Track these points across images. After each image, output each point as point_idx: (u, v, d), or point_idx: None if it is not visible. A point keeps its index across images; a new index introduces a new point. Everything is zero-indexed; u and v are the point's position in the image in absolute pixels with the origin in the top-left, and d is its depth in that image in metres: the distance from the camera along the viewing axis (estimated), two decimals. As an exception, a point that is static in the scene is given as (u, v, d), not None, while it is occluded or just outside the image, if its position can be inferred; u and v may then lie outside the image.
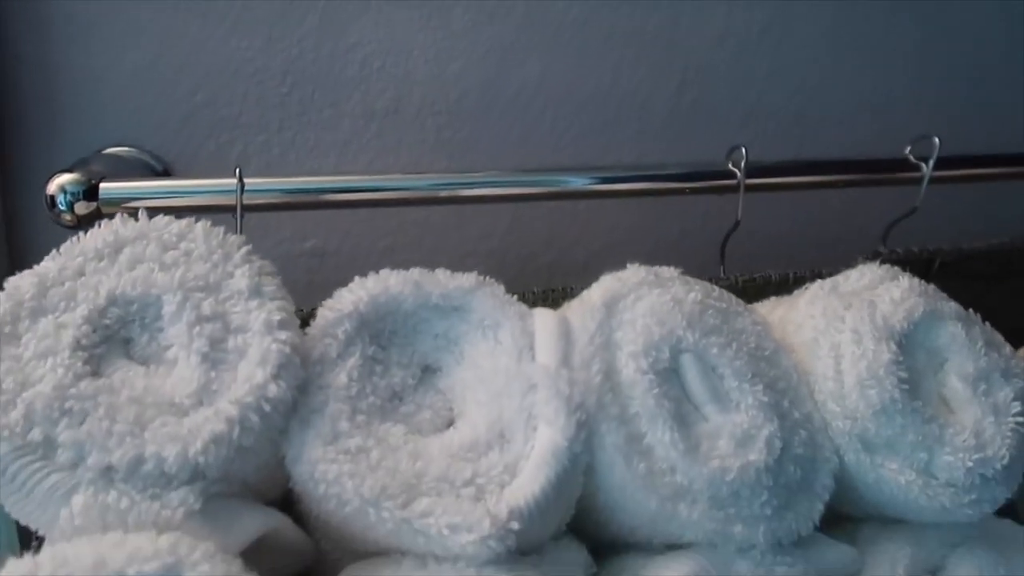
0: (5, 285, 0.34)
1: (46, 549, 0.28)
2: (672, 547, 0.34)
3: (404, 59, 0.61)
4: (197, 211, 0.42)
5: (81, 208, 0.48)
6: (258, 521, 0.32)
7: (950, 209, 0.62)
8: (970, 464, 0.34)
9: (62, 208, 0.47)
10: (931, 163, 0.56)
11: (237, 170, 0.46)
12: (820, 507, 0.35)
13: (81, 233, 0.36)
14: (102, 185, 0.47)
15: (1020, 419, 0.36)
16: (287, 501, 0.35)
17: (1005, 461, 0.35)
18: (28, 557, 0.28)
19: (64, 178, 0.48)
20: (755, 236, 0.58)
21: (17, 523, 0.31)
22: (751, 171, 0.53)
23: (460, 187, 0.51)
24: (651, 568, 0.34)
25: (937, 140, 0.56)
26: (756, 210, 0.54)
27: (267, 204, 0.48)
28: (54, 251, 0.35)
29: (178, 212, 0.38)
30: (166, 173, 0.59)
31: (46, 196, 0.48)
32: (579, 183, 0.53)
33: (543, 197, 0.54)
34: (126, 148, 0.57)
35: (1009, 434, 0.35)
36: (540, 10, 0.61)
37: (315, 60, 0.60)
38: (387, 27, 0.59)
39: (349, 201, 0.50)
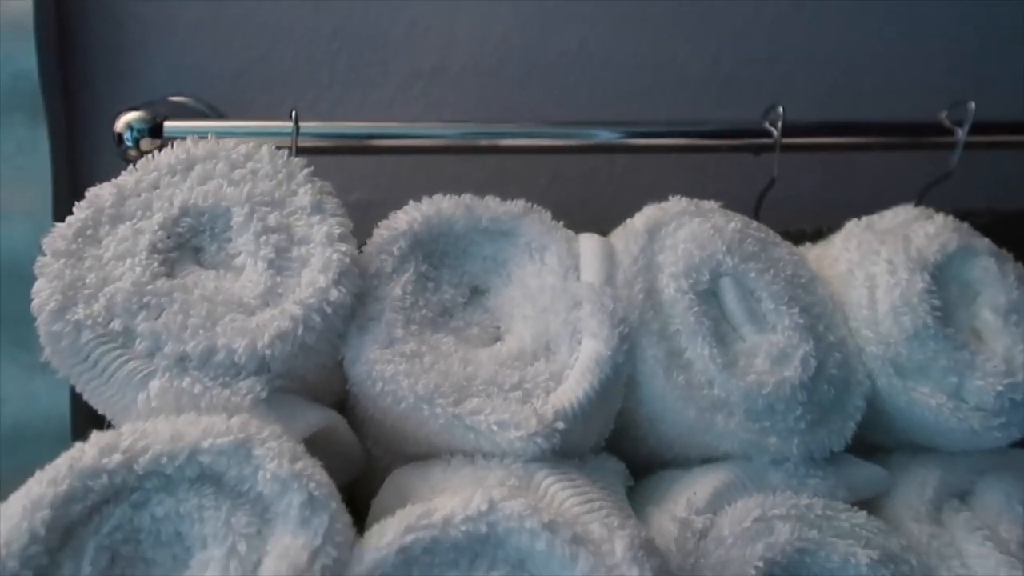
0: (87, 194, 0.36)
1: (126, 425, 0.30)
2: (708, 461, 0.36)
3: (450, 21, 0.63)
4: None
5: (146, 145, 0.50)
6: (318, 415, 0.34)
7: (985, 176, 0.63)
8: (1000, 388, 0.36)
9: (128, 144, 0.50)
10: (966, 128, 0.57)
11: (293, 112, 0.48)
12: (852, 426, 0.36)
13: (156, 151, 0.38)
14: (166, 124, 0.49)
15: (1050, 348, 0.37)
16: (341, 411, 0.37)
17: (1034, 386, 0.36)
18: (111, 431, 0.30)
19: (131, 116, 0.50)
20: (789, 200, 0.59)
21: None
22: (787, 130, 0.55)
23: (500, 137, 0.53)
24: (688, 478, 0.35)
25: (973, 105, 0.57)
26: (791, 173, 0.55)
27: (319, 147, 0.50)
28: (131, 167, 0.38)
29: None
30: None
31: (114, 133, 0.51)
32: (613, 136, 0.54)
33: (579, 150, 0.56)
34: (185, 97, 0.60)
35: (1040, 361, 0.36)
36: (582, -24, 0.63)
37: (364, 21, 0.62)
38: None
39: (396, 147, 0.52)
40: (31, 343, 0.60)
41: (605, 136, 0.55)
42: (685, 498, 0.34)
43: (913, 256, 0.37)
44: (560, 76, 0.66)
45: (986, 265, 0.38)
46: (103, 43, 0.58)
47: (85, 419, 0.35)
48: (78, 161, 0.59)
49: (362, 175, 0.63)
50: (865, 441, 0.39)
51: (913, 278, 0.37)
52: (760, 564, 0.32)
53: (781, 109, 0.54)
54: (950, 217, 0.40)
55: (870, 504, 0.36)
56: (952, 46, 0.70)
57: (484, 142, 0.53)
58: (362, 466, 0.38)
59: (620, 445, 0.38)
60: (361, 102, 0.64)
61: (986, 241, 0.40)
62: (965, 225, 0.40)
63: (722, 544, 0.32)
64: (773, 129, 0.54)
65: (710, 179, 0.68)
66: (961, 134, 0.57)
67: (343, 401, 0.38)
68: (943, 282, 0.38)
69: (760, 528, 0.33)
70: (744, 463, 0.35)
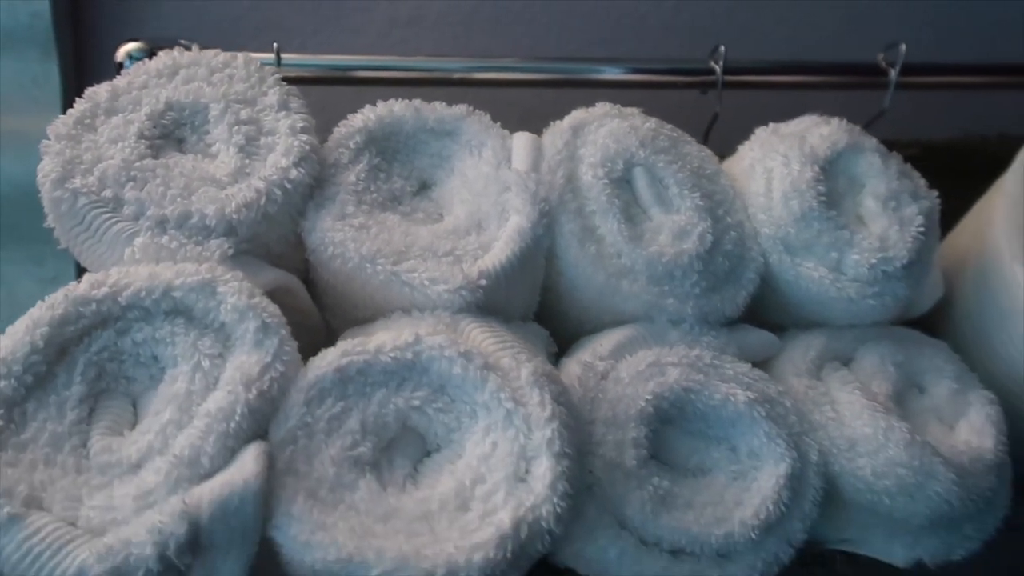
0: (86, 92, 0.42)
1: (112, 269, 0.36)
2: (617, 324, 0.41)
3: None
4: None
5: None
6: (277, 273, 0.40)
7: (922, 116, 0.68)
8: (873, 261, 0.41)
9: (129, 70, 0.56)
10: (897, 68, 0.61)
11: (275, 45, 0.54)
12: (745, 295, 0.41)
13: (145, 59, 0.44)
14: (162, 52, 0.55)
15: (922, 229, 0.42)
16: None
17: (905, 261, 0.41)
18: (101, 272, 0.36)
19: (130, 45, 0.56)
20: (734, 135, 0.64)
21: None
22: (729, 69, 0.60)
23: (473, 71, 0.58)
24: (599, 336, 0.41)
25: (903, 47, 0.61)
26: (738, 112, 0.60)
27: (301, 77, 0.56)
28: (124, 70, 0.44)
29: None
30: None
31: (115, 62, 0.57)
32: (572, 71, 0.60)
33: (541, 84, 0.61)
34: (182, 41, 0.66)
35: (911, 240, 0.41)
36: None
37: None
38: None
39: (374, 79, 0.58)
40: (46, 260, 0.66)
41: (565, 69, 0.60)
42: (592, 348, 0.39)
43: (806, 152, 0.43)
44: (527, 25, 0.71)
45: (871, 160, 0.43)
46: None
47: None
48: (85, 92, 0.65)
49: (342, 113, 0.69)
50: (765, 320, 0.44)
51: (804, 169, 0.42)
52: (649, 397, 0.37)
53: (723, 48, 0.60)
54: (844, 121, 0.45)
55: (760, 365, 0.41)
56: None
57: (458, 75, 0.59)
58: (321, 335, 0.44)
59: (548, 322, 0.43)
60: (344, 49, 0.69)
61: (873, 140, 0.45)
62: (856, 127, 0.45)
63: (619, 383, 0.38)
64: (716, 67, 0.60)
65: (666, 117, 0.73)
66: (894, 74, 0.62)
67: (305, 276, 0.43)
68: (832, 174, 0.43)
69: (653, 371, 0.38)
70: (646, 323, 0.40)
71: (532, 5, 0.71)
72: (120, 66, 0.56)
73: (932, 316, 0.47)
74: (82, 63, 0.64)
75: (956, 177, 0.57)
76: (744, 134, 0.51)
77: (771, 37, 0.74)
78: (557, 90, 0.64)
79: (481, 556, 0.31)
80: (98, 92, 0.42)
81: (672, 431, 0.38)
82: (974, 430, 0.40)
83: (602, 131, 0.43)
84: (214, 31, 0.66)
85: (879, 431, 0.38)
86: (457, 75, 0.59)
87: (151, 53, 0.56)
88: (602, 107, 0.45)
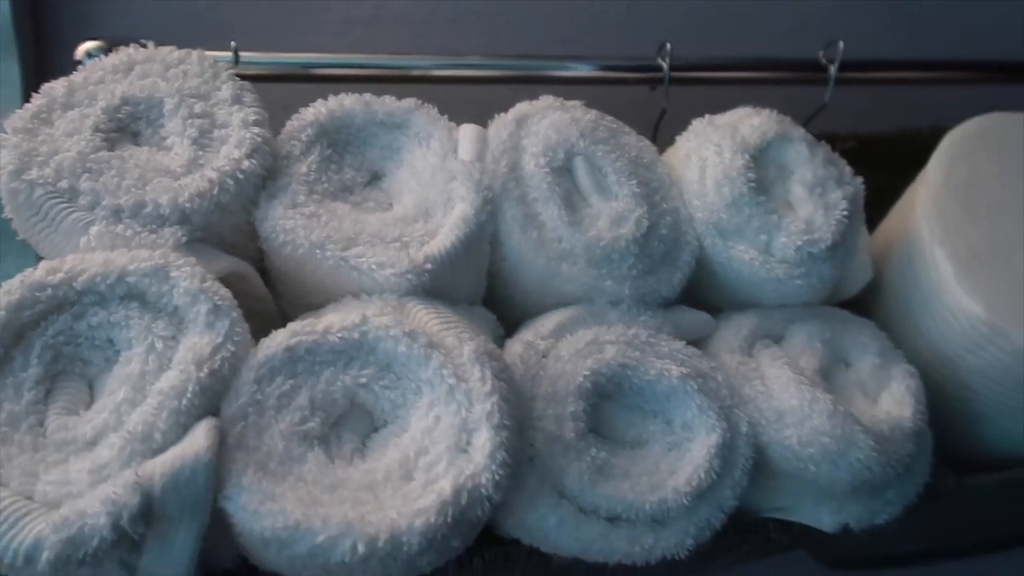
0: (42, 88, 0.43)
1: (67, 256, 0.37)
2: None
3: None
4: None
5: (90, 69, 0.57)
6: (230, 260, 0.41)
7: (863, 110, 0.70)
8: (799, 243, 0.43)
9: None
10: (836, 64, 0.64)
11: (232, 43, 0.55)
12: (680, 277, 0.44)
13: (102, 55, 0.46)
14: (120, 49, 0.57)
15: (846, 213, 0.44)
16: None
17: (829, 243, 0.43)
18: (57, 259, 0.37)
19: (89, 44, 0.57)
20: (683, 129, 0.66)
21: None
22: (676, 65, 0.62)
23: (429, 68, 0.60)
24: (541, 317, 0.42)
25: (841, 44, 0.64)
26: (684, 106, 0.63)
27: (259, 75, 0.57)
28: (81, 66, 0.45)
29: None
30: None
31: (74, 61, 0.58)
32: (528, 68, 0.62)
33: (495, 80, 0.63)
34: (141, 40, 0.67)
35: (835, 224, 0.44)
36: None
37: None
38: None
39: (333, 76, 0.59)
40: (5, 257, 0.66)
41: (520, 67, 0.62)
42: (533, 328, 0.41)
43: (738, 141, 0.45)
44: (485, 25, 0.73)
45: (799, 149, 0.46)
46: None
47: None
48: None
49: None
50: (701, 301, 0.46)
51: (735, 157, 0.44)
52: (587, 373, 0.39)
53: (669, 46, 0.62)
54: (774, 112, 0.47)
55: (696, 343, 0.44)
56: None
57: (416, 72, 0.61)
58: (276, 321, 0.45)
59: (495, 306, 0.45)
60: (303, 46, 0.71)
61: (801, 130, 0.47)
62: (786, 118, 0.47)
63: (559, 360, 0.40)
64: (663, 63, 0.62)
65: (618, 112, 0.75)
66: (833, 70, 0.64)
67: (260, 264, 0.45)
68: (762, 162, 0.45)
69: (592, 349, 0.40)
70: (586, 304, 0.42)
71: (489, 5, 0.73)
72: (78, 64, 0.58)
73: (863, 297, 0.49)
74: (42, 62, 0.65)
75: (891, 168, 0.60)
76: (685, 125, 0.53)
77: (718, 35, 0.77)
78: (513, 87, 0.66)
79: (422, 521, 0.32)
80: (54, 87, 0.43)
81: (610, 405, 0.40)
82: (895, 401, 0.43)
83: (544, 122, 0.45)
84: (173, 31, 0.67)
85: (804, 403, 0.40)
86: (416, 72, 0.60)
87: (109, 51, 0.58)
88: (545, 100, 0.47)
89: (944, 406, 0.45)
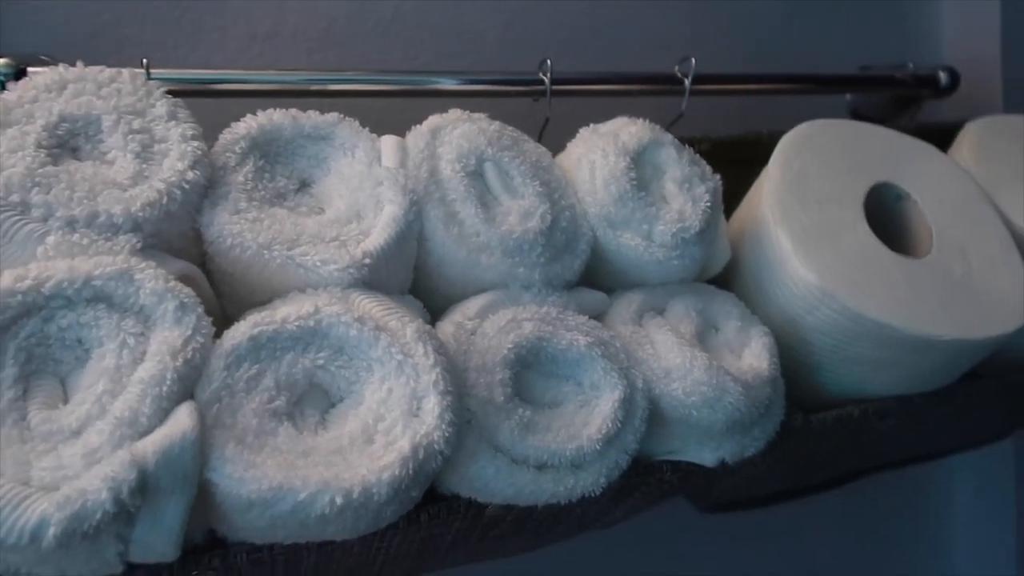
0: (-23, 105, 0.45)
1: (31, 264, 0.40)
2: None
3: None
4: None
5: (12, 87, 0.58)
6: (182, 264, 0.45)
7: (713, 117, 0.82)
8: (674, 230, 0.52)
9: (-5, 85, 0.58)
10: (690, 78, 0.74)
11: (144, 60, 0.58)
12: (579, 263, 0.51)
13: (18, 75, 0.48)
14: (29, 69, 0.58)
15: (709, 204, 0.54)
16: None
17: (697, 229, 0.52)
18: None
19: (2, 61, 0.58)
20: (562, 135, 0.74)
21: None
22: (556, 79, 0.70)
23: (326, 82, 0.65)
24: (466, 302, 0.49)
25: (693, 60, 0.74)
26: (565, 117, 0.71)
27: (171, 91, 0.60)
28: (10, 86, 0.47)
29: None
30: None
31: (-20, 77, 0.58)
32: (419, 82, 0.68)
33: (390, 94, 0.68)
34: (41, 56, 0.67)
35: (701, 213, 0.53)
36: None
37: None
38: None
39: (237, 91, 0.63)
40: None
41: (412, 81, 0.68)
42: (460, 311, 0.48)
43: (619, 146, 0.53)
44: (378, 40, 0.78)
45: (669, 152, 0.55)
46: None
47: None
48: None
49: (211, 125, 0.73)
50: (596, 283, 0.54)
51: (618, 160, 0.52)
52: (511, 346, 0.46)
53: (549, 62, 0.70)
54: (647, 120, 0.56)
55: (595, 318, 0.51)
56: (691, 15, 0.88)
57: (315, 87, 0.65)
58: (219, 322, 0.49)
59: (420, 296, 0.51)
60: (205, 62, 0.73)
61: (670, 136, 0.56)
62: (657, 126, 0.56)
63: (485, 337, 0.46)
64: (545, 78, 0.70)
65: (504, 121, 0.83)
66: (687, 83, 0.75)
67: (202, 268, 0.48)
68: (640, 164, 0.54)
69: (512, 326, 0.47)
70: (503, 289, 0.49)
71: (380, 22, 0.78)
72: (-14, 81, 0.58)
73: (723, 274, 0.59)
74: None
75: (740, 165, 0.71)
76: (570, 134, 0.61)
77: (587, 52, 0.86)
78: (405, 99, 0.72)
79: (389, 475, 0.38)
80: (-9, 104, 0.45)
81: (530, 373, 0.47)
82: (754, 356, 0.52)
83: (456, 132, 0.51)
84: (73, 48, 0.68)
85: (686, 361, 0.49)
86: (314, 87, 0.65)
87: (18, 69, 0.59)
88: (454, 113, 0.53)
89: (790, 358, 0.55)
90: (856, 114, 0.96)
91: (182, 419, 0.37)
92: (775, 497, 0.76)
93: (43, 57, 0.67)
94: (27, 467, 0.36)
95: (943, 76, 0.88)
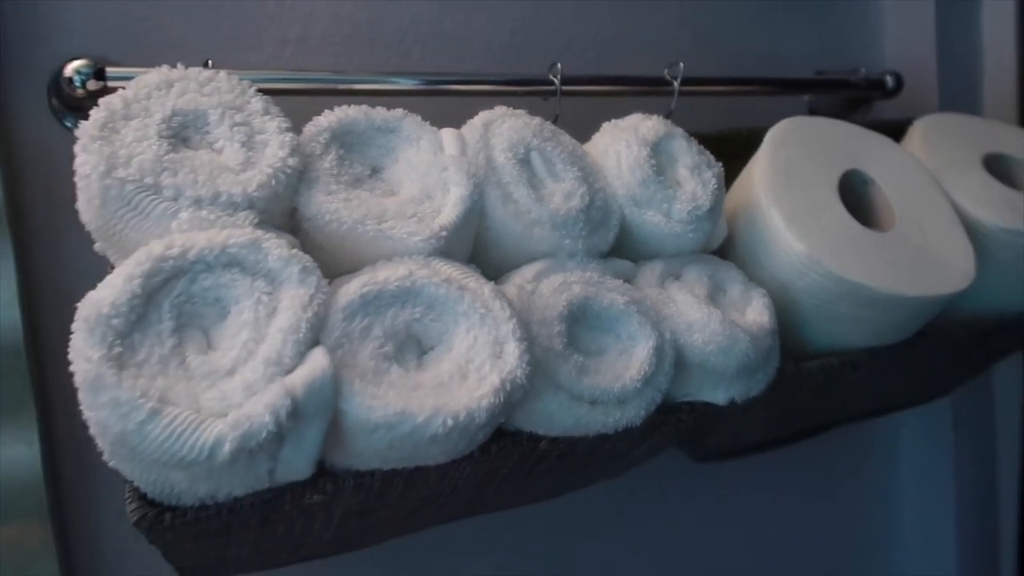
0: (99, 102, 0.52)
1: (175, 235, 0.47)
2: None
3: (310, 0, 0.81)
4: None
5: (92, 85, 0.64)
6: (289, 238, 0.52)
7: (696, 116, 0.92)
8: (690, 208, 0.62)
9: (77, 85, 0.64)
10: (679, 80, 0.84)
11: (209, 61, 0.65)
12: (612, 236, 0.61)
13: (140, 75, 0.54)
14: (108, 68, 0.64)
15: (715, 186, 0.63)
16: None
17: (708, 207, 0.62)
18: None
19: (77, 63, 0.65)
20: (569, 129, 0.83)
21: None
22: (566, 80, 0.79)
23: (356, 82, 0.73)
24: (521, 269, 0.58)
25: (682, 65, 0.84)
26: (569, 112, 0.79)
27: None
28: (124, 86, 0.53)
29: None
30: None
31: (63, 77, 0.64)
32: (438, 82, 0.76)
33: (410, 93, 0.76)
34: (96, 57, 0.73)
35: (711, 194, 0.63)
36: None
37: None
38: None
39: (279, 90, 0.70)
40: None
41: (430, 82, 0.76)
42: (519, 276, 0.57)
43: (640, 137, 0.63)
44: (396, 45, 0.86)
45: (680, 143, 0.64)
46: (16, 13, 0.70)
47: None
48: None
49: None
50: (623, 254, 0.64)
51: (640, 149, 0.62)
52: (564, 304, 0.55)
53: (560, 65, 0.79)
54: (662, 117, 0.66)
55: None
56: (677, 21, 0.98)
57: (342, 87, 0.73)
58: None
59: (478, 264, 0.59)
60: (241, 64, 0.80)
61: (680, 129, 0.66)
62: (668, 120, 0.66)
63: (542, 297, 0.55)
64: (555, 79, 0.79)
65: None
66: (676, 85, 0.85)
67: (292, 242, 0.56)
68: (658, 152, 0.63)
69: (563, 288, 0.56)
70: (552, 258, 0.58)
71: (399, 27, 0.86)
72: (69, 80, 0.64)
73: (722, 248, 0.69)
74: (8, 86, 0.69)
75: (723, 157, 0.81)
76: (573, 130, 0.70)
77: (587, 53, 0.95)
78: (438, 98, 0.80)
79: (487, 402, 0.47)
80: (112, 101, 0.52)
81: (578, 326, 0.56)
82: (757, 312, 0.62)
83: (505, 126, 0.60)
84: (121, 51, 0.74)
85: (704, 316, 0.58)
86: (343, 86, 0.73)
87: (97, 68, 0.65)
88: (500, 109, 0.62)
89: (781, 318, 0.65)
90: (813, 112, 1.08)
91: (319, 359, 0.45)
92: (757, 447, 0.87)
93: (110, 61, 0.73)
94: (196, 400, 0.43)
95: (890, 80, 1.01)
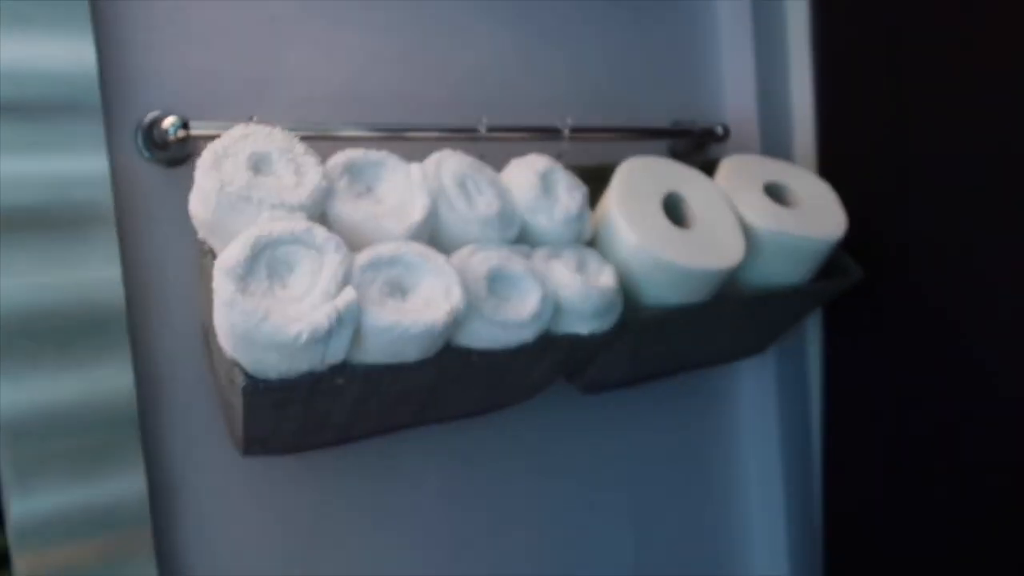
0: (208, 146, 0.86)
1: (266, 223, 0.82)
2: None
3: (334, 69, 1.17)
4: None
5: (181, 133, 0.99)
6: (325, 228, 0.88)
7: (585, 155, 1.31)
8: (564, 214, 1.00)
9: (171, 133, 0.98)
10: (568, 129, 1.23)
11: (253, 117, 1.00)
12: (515, 232, 0.99)
13: (229, 130, 0.89)
14: (191, 122, 0.99)
15: (581, 200, 1.02)
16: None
17: (575, 214, 1.01)
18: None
19: (172, 118, 0.99)
20: (491, 164, 1.21)
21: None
22: (489, 128, 1.17)
23: (342, 130, 1.09)
24: (460, 250, 0.95)
25: (570, 119, 1.23)
26: (491, 152, 1.17)
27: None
28: (221, 135, 0.88)
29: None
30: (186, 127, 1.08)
31: (160, 128, 0.99)
32: (399, 131, 1.13)
33: (389, 138, 1.13)
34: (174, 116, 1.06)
35: (578, 205, 1.01)
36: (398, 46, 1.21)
37: (286, 67, 1.14)
38: (325, 50, 1.15)
39: (313, 136, 1.06)
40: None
41: (394, 131, 1.13)
42: (460, 253, 0.94)
43: (533, 169, 1.01)
44: (372, 101, 1.22)
45: (559, 173, 1.03)
46: (126, 84, 1.03)
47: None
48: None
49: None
50: (525, 244, 1.01)
51: (533, 177, 1.00)
52: (486, 268, 0.92)
53: (485, 118, 1.17)
54: (548, 156, 1.04)
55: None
56: (574, 76, 1.38)
57: (340, 134, 1.09)
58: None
59: (435, 245, 0.96)
60: (267, 113, 1.14)
61: (559, 164, 1.04)
62: (551, 157, 1.04)
63: (473, 265, 0.92)
64: (481, 128, 1.16)
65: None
66: (566, 132, 1.24)
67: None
68: (544, 179, 1.02)
69: (485, 259, 0.93)
70: (479, 243, 0.95)
71: (387, 91, 1.22)
72: (166, 130, 0.99)
73: (590, 240, 1.08)
74: (111, 123, 1.02)
75: (594, 182, 1.20)
76: (493, 163, 1.08)
77: (498, 109, 1.33)
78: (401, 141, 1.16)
79: (442, 319, 0.83)
80: (215, 146, 0.87)
81: (495, 284, 0.93)
82: (605, 278, 1.01)
83: (450, 161, 0.97)
84: (191, 109, 1.07)
85: (570, 279, 0.96)
86: (342, 134, 1.09)
87: (184, 122, 0.99)
88: (447, 151, 0.99)
89: (624, 284, 1.04)
90: (672, 150, 1.49)
91: (349, 292, 0.81)
92: (625, 382, 1.25)
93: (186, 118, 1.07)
94: (284, 312, 0.78)
95: (720, 129, 1.43)
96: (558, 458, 1.37)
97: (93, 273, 0.99)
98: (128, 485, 1.01)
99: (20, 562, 0.93)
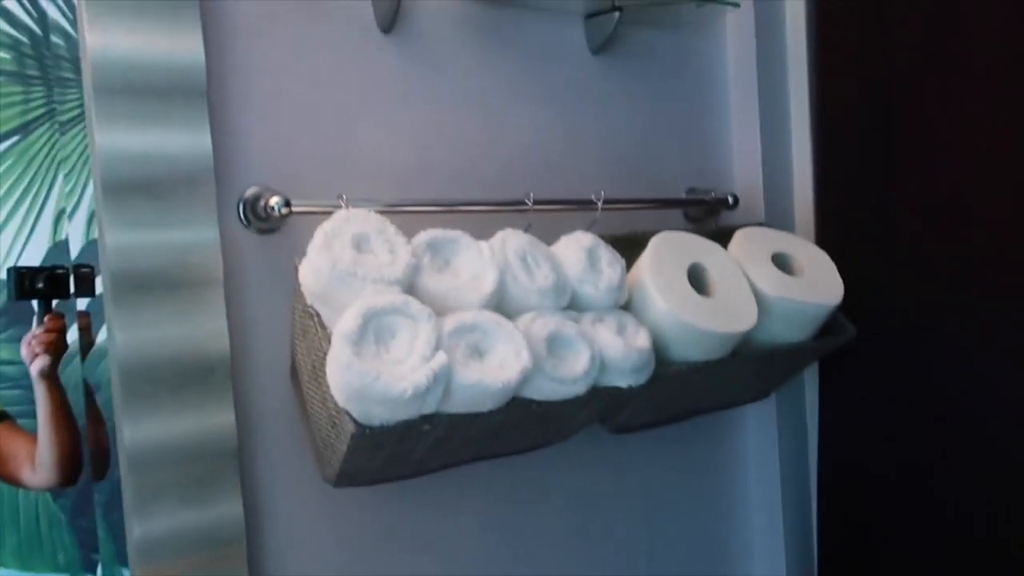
0: (320, 229, 1.04)
1: (370, 297, 0.99)
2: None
3: (401, 149, 1.35)
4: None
5: (284, 211, 1.16)
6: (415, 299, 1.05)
7: (615, 223, 1.49)
8: (607, 284, 1.18)
9: (276, 210, 1.15)
10: (601, 200, 1.41)
11: (343, 196, 1.17)
12: (567, 299, 1.16)
13: (334, 214, 1.06)
14: (293, 200, 1.16)
15: (621, 271, 1.20)
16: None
17: (617, 284, 1.19)
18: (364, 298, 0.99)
19: (276, 197, 1.16)
20: (538, 235, 1.38)
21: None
22: (536, 202, 1.35)
23: (418, 206, 1.27)
24: (523, 316, 1.12)
25: (603, 192, 1.42)
26: (540, 223, 1.34)
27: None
28: (328, 219, 1.06)
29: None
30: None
31: (267, 204, 1.16)
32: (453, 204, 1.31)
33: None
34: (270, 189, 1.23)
35: (619, 276, 1.20)
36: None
37: (360, 148, 1.31)
38: (396, 129, 1.33)
39: (387, 211, 1.23)
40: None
41: (451, 205, 1.31)
42: (524, 319, 1.12)
43: (582, 245, 1.19)
44: (428, 176, 1.40)
45: (602, 249, 1.20)
46: (228, 157, 1.20)
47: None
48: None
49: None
50: (574, 310, 1.19)
51: (581, 253, 1.18)
52: (545, 332, 1.10)
53: (532, 193, 1.35)
54: (592, 232, 1.22)
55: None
56: (602, 158, 1.56)
57: (411, 209, 1.27)
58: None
59: (502, 312, 1.13)
60: (350, 188, 1.31)
61: (602, 240, 1.22)
62: (595, 235, 1.22)
63: (535, 329, 1.10)
64: (528, 201, 1.34)
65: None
66: (599, 204, 1.42)
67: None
68: (590, 254, 1.19)
69: (545, 324, 1.11)
70: (538, 311, 1.13)
71: (432, 166, 1.40)
72: (272, 207, 1.16)
73: (625, 305, 1.26)
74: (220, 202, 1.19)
75: (628, 249, 1.39)
76: (542, 236, 1.26)
77: (544, 184, 1.51)
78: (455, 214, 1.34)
79: (514, 378, 1.01)
80: (325, 227, 1.04)
81: (552, 344, 1.11)
82: (642, 340, 1.18)
83: (512, 239, 1.15)
84: (287, 187, 1.24)
85: (614, 341, 1.14)
86: (410, 209, 1.27)
87: (287, 201, 1.16)
88: (509, 230, 1.17)
89: (655, 343, 1.22)
90: (686, 215, 1.67)
91: (440, 356, 0.98)
92: (650, 424, 1.43)
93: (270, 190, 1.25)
94: (390, 372, 0.95)
95: (731, 199, 1.62)
96: (583, 489, 1.54)
97: (204, 327, 1.15)
98: (228, 509, 1.17)
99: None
